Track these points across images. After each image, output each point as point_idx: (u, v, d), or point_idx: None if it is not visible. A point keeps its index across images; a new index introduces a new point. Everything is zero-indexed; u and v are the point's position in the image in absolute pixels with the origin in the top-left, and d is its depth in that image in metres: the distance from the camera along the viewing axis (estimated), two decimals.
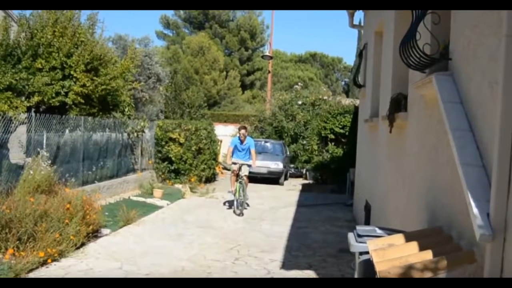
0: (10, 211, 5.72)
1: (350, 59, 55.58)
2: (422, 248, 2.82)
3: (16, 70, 8.68)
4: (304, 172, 17.87)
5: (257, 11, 39.36)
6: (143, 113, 16.37)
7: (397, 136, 5.31)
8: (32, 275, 5.28)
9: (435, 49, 3.54)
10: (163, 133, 13.27)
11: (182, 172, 13.27)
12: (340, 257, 6.69)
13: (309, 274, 5.94)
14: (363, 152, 9.42)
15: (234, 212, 9.89)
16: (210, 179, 14.56)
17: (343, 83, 48.08)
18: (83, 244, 6.54)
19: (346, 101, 20.28)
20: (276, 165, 15.49)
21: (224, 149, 14.94)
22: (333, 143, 16.22)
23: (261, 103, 25.63)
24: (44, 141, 8.48)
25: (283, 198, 12.62)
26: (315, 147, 16.94)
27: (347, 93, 35.79)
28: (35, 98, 8.70)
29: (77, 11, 9.79)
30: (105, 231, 7.38)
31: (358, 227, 3.73)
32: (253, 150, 10.26)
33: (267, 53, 25.26)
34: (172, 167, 13.23)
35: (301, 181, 17.04)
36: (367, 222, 7.39)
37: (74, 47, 9.43)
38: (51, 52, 9.18)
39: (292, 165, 18.05)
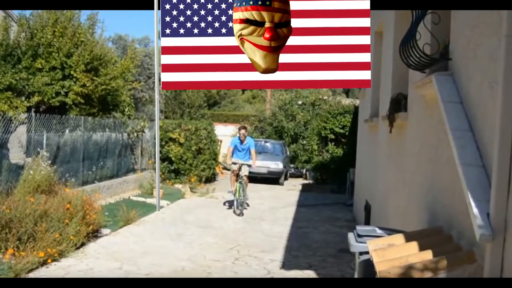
0: (10, 211, 5.73)
1: None
2: (422, 248, 2.82)
3: (16, 70, 8.69)
4: (304, 172, 17.86)
5: None
6: (143, 113, 16.38)
7: (397, 136, 5.31)
8: (32, 275, 5.28)
9: (435, 49, 3.53)
10: (163, 133, 13.26)
11: (182, 172, 13.27)
12: (340, 257, 6.69)
13: (309, 274, 5.93)
14: (363, 152, 9.42)
15: (234, 212, 9.89)
16: (210, 179, 14.56)
17: None
18: (83, 244, 6.54)
19: (346, 101, 20.28)
20: (276, 165, 15.48)
21: (224, 149, 14.93)
22: (333, 143, 16.22)
23: (261, 103, 25.62)
24: (44, 141, 8.48)
25: (283, 198, 12.62)
26: (315, 147, 16.94)
27: (347, 93, 35.74)
28: (35, 98, 8.71)
29: (77, 11, 9.80)
30: (105, 231, 7.38)
31: (358, 227, 3.72)
32: (253, 150, 10.25)
33: None
34: (172, 167, 13.23)
35: (301, 181, 17.04)
36: (367, 222, 7.39)
37: (74, 47, 9.44)
38: (51, 52, 9.19)
39: (292, 165, 18.04)
